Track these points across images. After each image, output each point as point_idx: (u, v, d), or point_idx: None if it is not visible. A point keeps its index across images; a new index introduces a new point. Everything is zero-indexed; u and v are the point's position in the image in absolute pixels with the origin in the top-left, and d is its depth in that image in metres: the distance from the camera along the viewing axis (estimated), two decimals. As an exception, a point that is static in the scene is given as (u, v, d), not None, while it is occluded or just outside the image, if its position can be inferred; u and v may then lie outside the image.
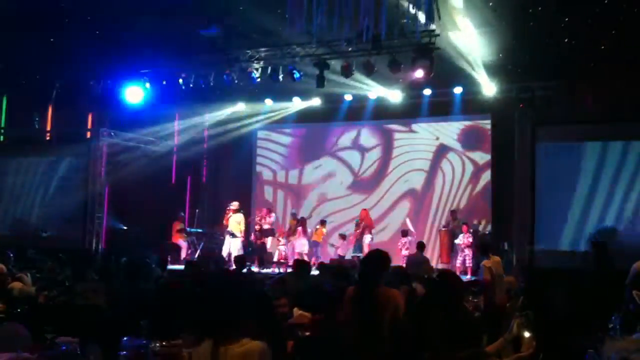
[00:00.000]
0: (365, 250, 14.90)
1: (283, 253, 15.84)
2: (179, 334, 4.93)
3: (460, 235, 14.26)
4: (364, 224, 15.25)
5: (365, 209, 15.81)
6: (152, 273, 9.61)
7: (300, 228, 15.74)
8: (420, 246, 12.98)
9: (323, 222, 16.32)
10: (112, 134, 16.75)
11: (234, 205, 15.77)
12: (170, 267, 12.76)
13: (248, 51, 13.41)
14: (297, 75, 13.22)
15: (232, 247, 15.42)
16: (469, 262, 13.97)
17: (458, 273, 13.62)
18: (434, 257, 14.79)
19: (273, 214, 16.43)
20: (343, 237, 16.08)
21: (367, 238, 15.13)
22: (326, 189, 17.97)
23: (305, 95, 16.69)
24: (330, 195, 17.87)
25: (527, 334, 5.04)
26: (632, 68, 12.83)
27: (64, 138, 17.51)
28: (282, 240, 15.94)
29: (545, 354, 4.97)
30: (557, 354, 4.91)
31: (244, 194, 18.30)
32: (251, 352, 3.27)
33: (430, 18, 10.59)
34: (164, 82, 14.23)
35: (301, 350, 4.74)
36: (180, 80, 14.00)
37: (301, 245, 15.61)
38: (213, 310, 3.29)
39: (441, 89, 15.53)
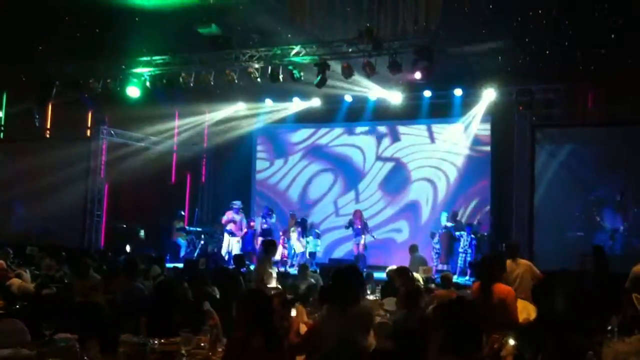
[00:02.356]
0: (356, 250, 14.91)
1: (285, 252, 15.81)
2: (177, 332, 4.93)
3: (464, 235, 14.26)
4: (360, 225, 15.21)
5: (358, 210, 15.76)
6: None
7: (299, 228, 15.75)
8: (412, 249, 13.02)
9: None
10: (112, 132, 16.75)
11: (237, 204, 15.93)
12: (169, 265, 12.76)
13: (248, 51, 13.41)
14: (297, 75, 13.19)
15: (232, 246, 15.48)
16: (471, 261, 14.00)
17: (458, 273, 13.69)
18: (433, 258, 14.76)
19: (274, 215, 16.42)
20: (317, 235, 16.09)
21: (360, 239, 15.08)
22: (325, 189, 17.96)
23: (305, 95, 16.69)
24: (330, 195, 17.86)
25: (511, 342, 4.99)
26: (632, 71, 12.86)
27: (64, 136, 17.53)
28: (285, 240, 15.88)
29: (543, 355, 4.97)
30: (556, 356, 4.91)
31: (243, 193, 18.31)
32: (364, 311, 5.11)
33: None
34: (164, 81, 14.21)
35: None
36: (181, 79, 13.98)
37: (299, 245, 15.64)
38: (346, 285, 5.12)
39: (441, 91, 15.55)
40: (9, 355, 4.52)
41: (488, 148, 16.20)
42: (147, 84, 14.44)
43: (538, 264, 11.52)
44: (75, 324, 4.94)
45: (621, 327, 5.32)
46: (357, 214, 15.39)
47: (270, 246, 9.62)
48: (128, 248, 15.28)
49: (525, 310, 6.42)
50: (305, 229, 15.77)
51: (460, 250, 14.19)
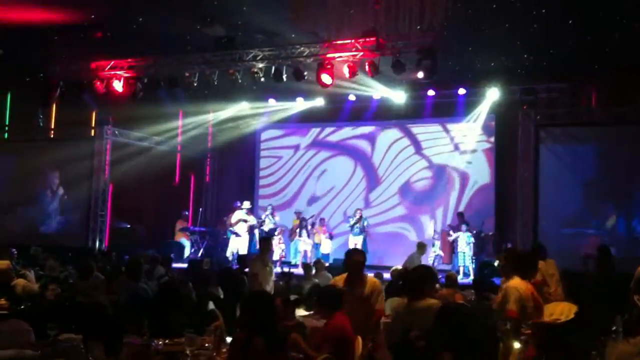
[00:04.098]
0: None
1: (283, 252, 15.81)
2: (182, 332, 4.93)
3: (460, 234, 14.23)
4: (361, 224, 15.20)
5: (358, 209, 15.77)
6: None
7: (304, 228, 15.76)
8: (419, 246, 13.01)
9: (322, 220, 16.33)
10: (116, 132, 16.78)
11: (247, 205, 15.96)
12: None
13: (252, 50, 13.40)
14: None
15: (239, 246, 15.48)
16: (468, 262, 13.97)
17: (461, 274, 13.65)
18: (436, 258, 14.73)
19: (277, 214, 16.43)
20: (331, 236, 16.05)
21: (355, 238, 15.07)
22: (331, 187, 17.94)
23: (308, 95, 16.69)
24: (333, 194, 17.85)
25: (516, 345, 4.98)
26: (636, 70, 12.83)
27: (68, 136, 17.55)
28: (282, 239, 15.91)
29: (547, 355, 4.96)
30: (560, 356, 4.90)
31: (247, 193, 18.31)
32: (430, 306, 5.20)
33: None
34: (168, 81, 14.20)
35: None
36: (184, 79, 13.98)
37: (304, 245, 15.64)
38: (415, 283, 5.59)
39: (445, 91, 15.53)
40: (14, 355, 4.53)
41: (492, 147, 16.17)
42: (151, 83, 14.43)
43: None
44: (80, 324, 4.95)
45: (626, 327, 5.30)
46: (356, 213, 15.42)
47: (262, 244, 9.60)
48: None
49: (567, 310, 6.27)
50: (306, 228, 15.76)
51: (459, 250, 14.19)
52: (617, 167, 13.41)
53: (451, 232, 14.74)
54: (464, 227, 14.32)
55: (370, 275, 6.10)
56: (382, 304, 5.92)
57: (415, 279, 5.72)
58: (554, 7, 10.91)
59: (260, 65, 13.46)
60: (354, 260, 6.00)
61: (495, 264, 12.88)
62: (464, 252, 14.04)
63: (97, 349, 4.37)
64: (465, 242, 14.06)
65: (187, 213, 18.09)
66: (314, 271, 10.64)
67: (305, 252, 15.58)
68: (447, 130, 16.82)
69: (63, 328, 4.78)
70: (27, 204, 16.95)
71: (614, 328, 5.24)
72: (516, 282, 5.31)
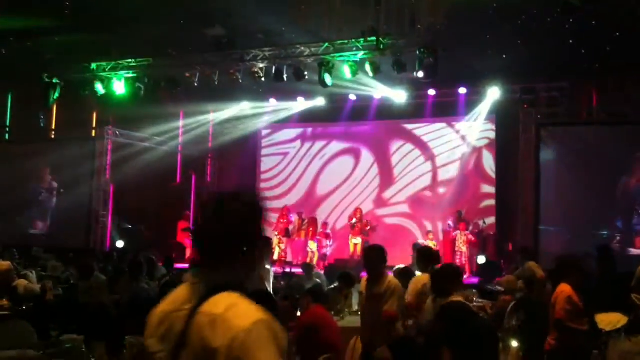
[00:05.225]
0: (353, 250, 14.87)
1: (283, 252, 15.79)
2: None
3: (458, 233, 14.25)
4: (361, 224, 15.21)
5: (359, 208, 15.76)
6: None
7: (307, 228, 15.74)
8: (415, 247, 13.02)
9: (324, 225, 16.32)
10: (117, 132, 16.78)
11: None
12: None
13: (253, 51, 13.41)
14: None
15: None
16: (465, 261, 14.00)
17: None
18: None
19: (293, 215, 16.36)
20: (328, 235, 16.04)
21: (358, 239, 15.07)
22: (332, 187, 17.93)
23: (309, 95, 16.69)
24: (337, 194, 17.83)
25: (514, 344, 5.01)
26: (636, 69, 12.82)
27: (69, 136, 17.56)
28: (283, 239, 15.90)
29: (549, 355, 4.97)
30: (562, 355, 4.91)
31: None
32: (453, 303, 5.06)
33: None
34: (169, 81, 14.21)
35: None
36: (185, 79, 13.99)
37: (307, 244, 15.63)
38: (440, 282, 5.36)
39: (445, 90, 15.53)
40: (16, 356, 4.53)
41: (493, 146, 16.16)
42: (151, 83, 14.44)
43: (543, 264, 11.54)
44: (82, 325, 4.96)
45: (627, 327, 5.31)
46: (355, 212, 15.41)
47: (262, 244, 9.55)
48: (121, 244, 15.35)
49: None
50: (316, 229, 15.75)
51: (456, 249, 14.22)
52: (617, 166, 13.40)
53: (452, 229, 14.77)
54: (462, 225, 14.35)
55: (391, 275, 6.08)
56: (394, 307, 5.59)
57: (441, 277, 5.65)
58: (555, 6, 10.90)
59: (261, 65, 13.47)
60: (367, 258, 6.01)
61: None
62: (460, 252, 14.09)
63: (99, 350, 4.39)
64: (462, 240, 14.10)
65: (189, 213, 18.08)
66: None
67: (307, 252, 15.59)
68: (447, 129, 16.81)
69: (65, 328, 4.80)
70: (28, 204, 16.96)
71: (616, 327, 5.25)
72: (423, 277, 6.12)
